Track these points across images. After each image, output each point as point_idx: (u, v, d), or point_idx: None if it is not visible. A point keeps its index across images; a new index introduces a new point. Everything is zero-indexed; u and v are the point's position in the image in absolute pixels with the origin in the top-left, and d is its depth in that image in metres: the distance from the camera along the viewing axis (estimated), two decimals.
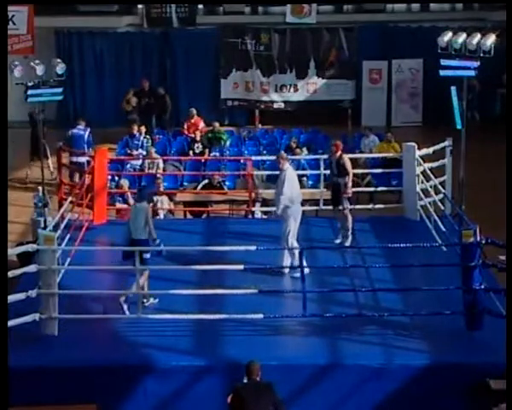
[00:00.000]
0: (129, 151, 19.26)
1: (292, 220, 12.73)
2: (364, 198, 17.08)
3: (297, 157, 17.69)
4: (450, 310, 11.12)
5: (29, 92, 13.77)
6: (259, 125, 24.16)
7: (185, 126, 21.32)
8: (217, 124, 20.78)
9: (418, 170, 14.83)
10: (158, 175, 17.47)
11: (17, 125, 21.35)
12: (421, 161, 14.92)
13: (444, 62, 14.17)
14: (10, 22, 22.26)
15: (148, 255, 11.64)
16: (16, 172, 19.92)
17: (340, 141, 14.75)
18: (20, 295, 11.00)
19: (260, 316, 11.19)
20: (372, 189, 16.95)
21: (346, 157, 13.90)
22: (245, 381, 9.47)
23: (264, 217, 16.34)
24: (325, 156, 16.17)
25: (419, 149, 14.96)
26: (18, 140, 19.57)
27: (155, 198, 16.93)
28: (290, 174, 12.94)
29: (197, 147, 19.72)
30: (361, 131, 21.38)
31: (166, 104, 22.44)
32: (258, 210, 16.19)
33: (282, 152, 13.87)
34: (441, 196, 14.52)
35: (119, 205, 16.73)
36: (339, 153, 13.87)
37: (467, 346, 10.84)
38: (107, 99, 24.73)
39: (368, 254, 13.13)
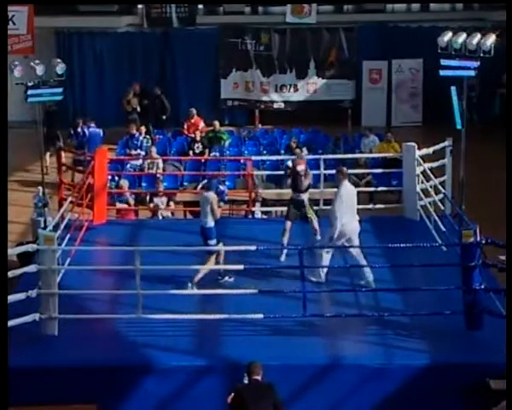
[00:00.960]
0: (128, 151, 19.30)
1: (332, 233, 12.32)
2: (364, 198, 17.08)
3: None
4: (450, 310, 11.12)
5: (29, 92, 13.77)
6: (259, 125, 24.16)
7: (185, 126, 21.34)
8: (217, 123, 20.80)
9: (418, 170, 14.83)
10: (158, 175, 17.49)
11: (17, 125, 21.37)
12: (421, 161, 14.92)
13: (444, 62, 14.17)
14: (10, 22, 22.28)
15: (213, 241, 12.35)
16: (16, 172, 19.93)
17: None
18: (20, 295, 11.00)
19: (260, 316, 11.20)
20: (372, 189, 16.96)
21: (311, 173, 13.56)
22: (245, 381, 9.47)
23: (264, 217, 16.32)
24: (325, 156, 16.24)
25: (419, 149, 14.95)
26: (18, 140, 19.59)
27: (155, 199, 16.98)
28: (343, 192, 12.38)
29: (197, 147, 19.73)
30: (361, 131, 21.38)
31: (163, 104, 22.40)
32: (258, 210, 16.16)
33: (341, 167, 12.90)
34: (441, 196, 14.52)
35: (119, 205, 16.72)
36: (303, 167, 13.38)
37: (467, 346, 10.83)
38: (107, 99, 24.73)
39: (368, 254, 13.10)
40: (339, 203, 12.29)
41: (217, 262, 12.39)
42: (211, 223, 12.35)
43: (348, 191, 12.49)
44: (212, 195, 12.40)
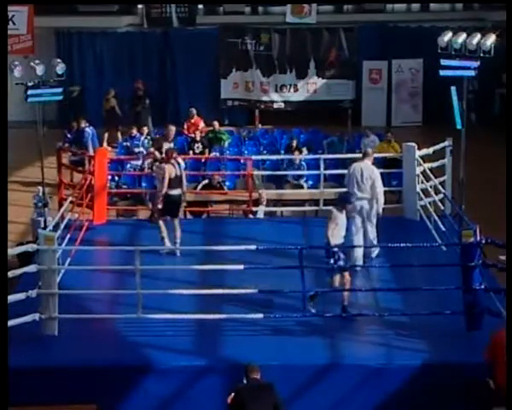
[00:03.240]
0: (128, 145, 19.41)
1: (352, 218, 12.59)
2: None
3: (297, 157, 17.69)
4: (450, 310, 11.12)
5: (29, 92, 13.79)
6: (259, 125, 24.17)
7: (185, 126, 21.34)
8: (216, 123, 20.78)
9: (418, 170, 14.83)
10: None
11: (17, 125, 21.37)
12: (421, 161, 14.92)
13: (444, 62, 14.17)
14: (10, 22, 22.33)
15: (340, 262, 11.44)
16: (16, 172, 19.93)
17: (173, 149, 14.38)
18: (20, 295, 11.00)
19: (260, 316, 11.20)
20: None
21: (167, 167, 13.41)
22: (245, 382, 9.47)
23: (262, 217, 16.22)
24: (324, 156, 16.24)
25: (419, 149, 14.96)
26: (18, 140, 19.60)
27: None
28: (352, 172, 13.08)
29: (197, 147, 19.71)
30: (361, 131, 21.37)
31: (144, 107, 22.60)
32: (260, 211, 16.10)
33: (368, 149, 13.96)
34: (441, 196, 14.52)
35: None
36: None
37: (467, 346, 10.83)
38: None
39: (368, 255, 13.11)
40: (347, 180, 13.16)
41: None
42: (331, 239, 11.48)
43: (353, 170, 13.06)
44: (332, 211, 11.70)
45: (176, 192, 13.45)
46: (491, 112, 24.30)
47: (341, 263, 11.46)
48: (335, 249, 11.39)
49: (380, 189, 12.99)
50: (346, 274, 11.51)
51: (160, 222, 13.50)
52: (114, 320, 11.43)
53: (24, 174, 20.00)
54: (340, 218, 11.62)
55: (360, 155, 13.76)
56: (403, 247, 11.85)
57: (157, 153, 18.19)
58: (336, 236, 11.51)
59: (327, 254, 11.60)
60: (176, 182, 13.42)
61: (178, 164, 13.66)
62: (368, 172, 12.99)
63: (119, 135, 22.01)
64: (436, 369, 10.45)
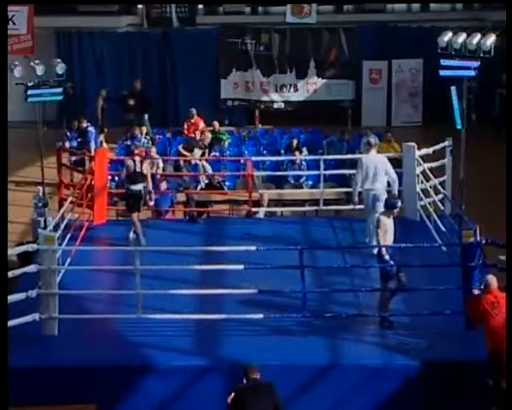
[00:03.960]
0: (128, 145, 19.43)
1: (368, 214, 12.63)
2: None
3: (297, 157, 17.68)
4: (451, 310, 11.12)
5: (29, 92, 13.79)
6: (259, 125, 24.18)
7: (185, 126, 21.33)
8: (216, 124, 20.77)
9: (418, 170, 14.83)
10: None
11: (17, 125, 21.37)
12: (421, 161, 14.92)
13: (444, 62, 14.18)
14: (10, 22, 22.29)
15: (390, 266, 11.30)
16: (16, 172, 19.92)
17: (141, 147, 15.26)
18: (20, 295, 11.01)
19: (260, 316, 11.20)
20: None
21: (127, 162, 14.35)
22: (244, 381, 9.47)
23: (261, 216, 16.22)
24: (325, 157, 16.24)
25: (419, 149, 14.96)
26: (18, 140, 19.59)
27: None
28: (362, 162, 13.62)
29: None
30: (361, 131, 21.37)
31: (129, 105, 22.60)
32: (261, 211, 16.08)
33: (370, 138, 14.39)
34: (441, 196, 14.52)
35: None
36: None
37: (467, 346, 10.83)
38: (106, 99, 24.66)
39: (368, 255, 13.10)
40: (356, 172, 13.73)
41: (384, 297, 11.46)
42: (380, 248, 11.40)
43: (368, 161, 13.61)
44: (380, 218, 11.56)
45: (136, 187, 14.11)
46: (491, 112, 24.28)
47: (392, 268, 11.29)
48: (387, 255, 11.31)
49: (393, 173, 13.80)
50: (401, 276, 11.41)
51: (134, 219, 14.07)
52: (114, 320, 11.43)
53: (24, 174, 19.99)
54: (389, 224, 11.60)
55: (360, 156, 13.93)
56: (403, 247, 11.85)
57: (186, 153, 18.28)
58: (388, 242, 11.51)
59: (379, 261, 11.51)
60: (135, 177, 14.13)
61: (140, 161, 14.41)
62: (379, 162, 13.68)
63: (102, 137, 21.85)
64: (436, 369, 10.45)
